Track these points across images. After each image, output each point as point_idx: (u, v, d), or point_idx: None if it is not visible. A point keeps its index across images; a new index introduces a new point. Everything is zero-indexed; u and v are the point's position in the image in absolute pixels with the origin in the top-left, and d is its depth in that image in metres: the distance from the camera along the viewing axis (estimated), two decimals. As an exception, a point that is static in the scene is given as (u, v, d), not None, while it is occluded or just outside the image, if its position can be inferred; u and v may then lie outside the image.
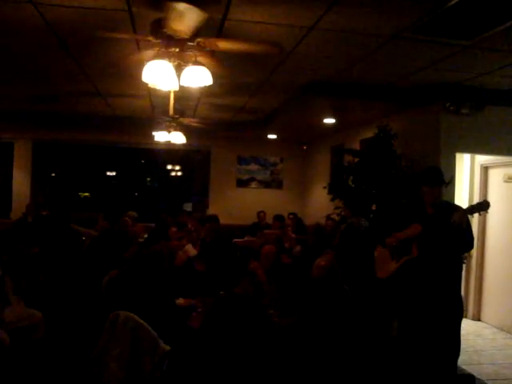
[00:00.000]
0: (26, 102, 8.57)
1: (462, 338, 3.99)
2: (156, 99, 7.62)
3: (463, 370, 4.95)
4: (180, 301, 4.32)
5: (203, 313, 3.84)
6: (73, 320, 5.47)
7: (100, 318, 4.35)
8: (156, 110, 8.45)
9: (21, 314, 4.90)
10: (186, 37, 3.70)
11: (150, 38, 3.85)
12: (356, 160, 6.65)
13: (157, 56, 3.78)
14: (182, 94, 6.38)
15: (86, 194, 13.23)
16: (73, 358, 4.57)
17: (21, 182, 11.14)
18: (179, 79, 3.85)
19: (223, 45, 3.93)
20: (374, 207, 6.38)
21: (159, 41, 3.80)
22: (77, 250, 7.11)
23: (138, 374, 3.57)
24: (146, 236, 7.50)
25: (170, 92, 5.97)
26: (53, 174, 12.41)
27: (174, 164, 13.59)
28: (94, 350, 3.89)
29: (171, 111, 6.73)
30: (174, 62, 3.77)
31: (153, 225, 8.47)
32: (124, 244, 6.35)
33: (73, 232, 7.52)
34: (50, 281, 5.82)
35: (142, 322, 3.54)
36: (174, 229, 5.70)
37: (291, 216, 9.57)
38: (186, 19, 3.42)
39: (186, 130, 7.72)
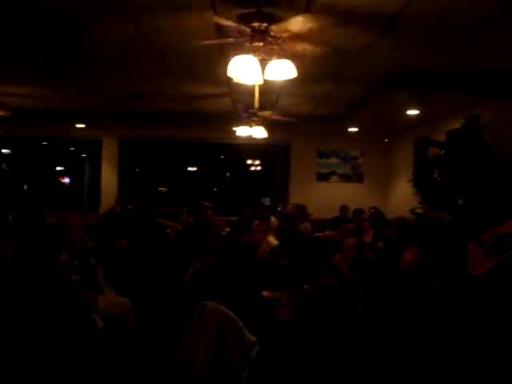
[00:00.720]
0: (113, 101, 8.96)
1: None
2: (237, 95, 7.73)
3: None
4: (265, 293, 4.36)
5: (288, 305, 3.85)
6: (160, 309, 5.67)
7: (185, 307, 4.50)
8: (237, 106, 8.57)
9: (112, 302, 5.13)
10: (266, 28, 3.72)
11: (234, 35, 3.91)
12: (442, 152, 6.42)
13: (241, 51, 3.83)
14: (264, 88, 6.43)
15: (163, 188, 13.64)
16: (161, 345, 4.75)
17: (109, 178, 11.70)
18: (263, 73, 3.89)
19: (299, 23, 3.87)
20: (460, 201, 6.13)
21: (243, 36, 3.86)
22: (162, 243, 7.36)
23: (225, 362, 3.65)
24: (227, 229, 7.64)
25: (251, 87, 6.03)
26: (136, 170, 12.89)
27: (253, 159, 13.71)
28: (181, 338, 4.03)
29: (256, 105, 6.78)
30: (258, 56, 3.80)
31: (233, 218, 8.60)
32: (207, 237, 6.50)
33: (158, 225, 7.79)
34: (138, 271, 6.06)
35: (228, 312, 3.61)
36: (257, 221, 5.76)
37: (372, 210, 9.39)
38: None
39: (266, 124, 7.77)
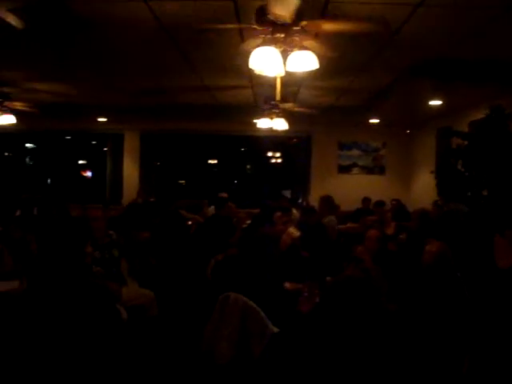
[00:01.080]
0: (135, 95, 9.02)
1: None
2: (259, 87, 7.71)
3: None
4: (287, 285, 4.37)
5: (311, 297, 3.86)
6: (182, 300, 5.72)
7: (207, 299, 4.53)
8: (258, 98, 8.55)
9: (135, 293, 5.20)
10: (290, 21, 3.71)
11: (255, 26, 3.90)
12: (465, 143, 6.33)
13: (262, 43, 3.81)
14: (285, 80, 6.41)
15: (182, 181, 13.73)
16: (184, 336, 4.80)
17: (130, 171, 11.82)
18: (285, 65, 3.87)
19: (328, 26, 3.88)
20: (485, 193, 6.04)
21: (264, 28, 3.84)
22: (184, 235, 7.41)
23: (247, 353, 3.67)
24: (248, 222, 7.66)
25: (273, 78, 6.01)
26: (158, 163, 12.98)
27: (274, 151, 13.70)
28: (204, 329, 4.06)
29: (278, 97, 6.77)
30: (279, 47, 3.78)
31: (253, 211, 8.63)
32: (229, 229, 6.53)
33: (180, 217, 7.84)
34: (161, 263, 6.12)
35: (251, 303, 3.63)
36: (278, 213, 5.77)
37: (394, 202, 9.31)
38: (287, 3, 3.42)
39: (287, 116, 7.75)
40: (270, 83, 6.48)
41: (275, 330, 3.55)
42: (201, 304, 4.94)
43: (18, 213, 7.25)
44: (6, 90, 7.91)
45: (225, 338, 3.70)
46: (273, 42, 3.82)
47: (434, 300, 3.47)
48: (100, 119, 11.14)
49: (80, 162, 13.91)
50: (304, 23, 3.71)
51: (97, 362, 3.59)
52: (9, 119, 8.02)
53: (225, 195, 9.27)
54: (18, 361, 3.00)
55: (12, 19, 4.75)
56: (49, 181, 13.40)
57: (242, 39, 4.90)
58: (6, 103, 8.08)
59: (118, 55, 6.19)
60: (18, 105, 8.01)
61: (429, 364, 2.98)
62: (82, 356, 3.45)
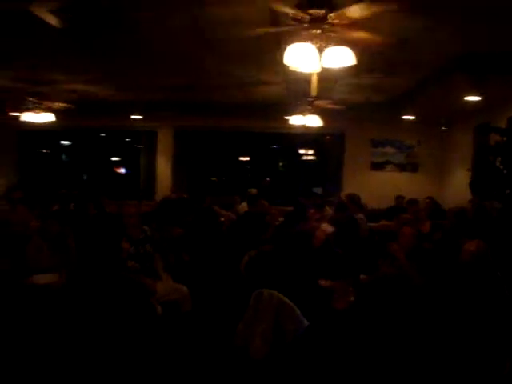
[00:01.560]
0: (169, 93, 9.12)
1: None
2: (292, 83, 7.68)
3: None
4: (322, 282, 4.34)
5: (345, 295, 3.83)
6: (216, 296, 5.75)
7: (241, 294, 4.54)
8: (291, 94, 8.53)
9: (169, 288, 5.24)
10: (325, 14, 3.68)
11: (292, 22, 3.89)
12: (504, 139, 6.17)
13: (298, 39, 3.80)
14: (319, 76, 6.37)
15: (214, 178, 13.79)
16: (218, 332, 4.82)
17: (163, 168, 11.96)
18: (320, 61, 3.85)
19: (360, 10, 3.79)
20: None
21: (300, 24, 3.83)
22: (217, 231, 7.45)
23: (282, 349, 3.67)
24: (281, 219, 7.64)
25: (306, 75, 5.96)
26: (190, 160, 13.05)
27: (306, 148, 13.63)
28: (237, 324, 4.08)
29: (314, 93, 6.72)
30: (316, 43, 3.76)
31: (285, 208, 8.60)
32: (262, 226, 6.53)
33: (213, 214, 7.88)
34: (194, 259, 6.16)
35: (285, 299, 3.62)
36: (312, 210, 5.75)
37: (427, 200, 9.16)
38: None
39: (320, 113, 7.70)
40: (303, 80, 6.45)
41: (310, 326, 3.53)
42: (234, 300, 4.96)
43: (55, 208, 7.39)
44: (45, 89, 8.10)
45: (259, 334, 3.71)
46: (308, 37, 3.81)
47: (475, 299, 3.40)
48: (134, 117, 11.29)
49: (114, 158, 14.09)
50: (336, 13, 3.66)
51: (131, 354, 3.64)
52: (48, 117, 8.21)
53: (254, 191, 9.28)
54: (57, 350, 3.07)
55: (51, 19, 4.86)
56: (85, 177, 13.64)
57: (278, 36, 4.90)
58: (45, 102, 8.28)
59: (154, 53, 6.26)
60: (56, 104, 8.20)
61: (468, 364, 2.92)
62: (118, 348, 3.51)
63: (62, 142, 13.85)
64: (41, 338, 3.59)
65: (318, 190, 12.44)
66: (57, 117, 8.72)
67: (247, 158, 14.15)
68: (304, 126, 8.10)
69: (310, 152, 13.71)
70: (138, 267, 4.99)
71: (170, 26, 5.07)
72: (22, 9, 4.57)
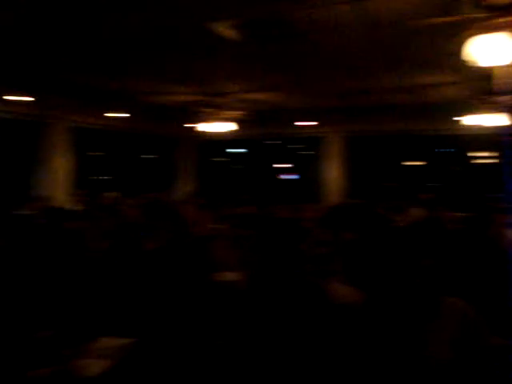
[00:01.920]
0: (339, 98, 9.17)
1: None
2: (469, 81, 7.26)
3: None
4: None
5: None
6: (391, 302, 5.60)
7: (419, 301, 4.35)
8: (467, 93, 8.06)
9: (345, 291, 5.24)
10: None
11: (474, 15, 3.69)
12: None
13: (483, 31, 3.59)
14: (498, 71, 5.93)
15: (385, 183, 13.51)
16: (396, 338, 4.69)
17: (335, 173, 12.10)
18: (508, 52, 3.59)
19: None
20: None
21: (484, 14, 3.62)
22: (389, 236, 7.27)
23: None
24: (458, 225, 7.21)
25: (485, 71, 5.60)
26: (361, 165, 13.03)
27: (481, 150, 12.74)
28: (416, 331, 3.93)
29: (500, 88, 6.28)
30: (503, 34, 3.52)
31: (458, 214, 8.15)
32: (438, 231, 6.24)
33: (386, 219, 7.73)
34: (369, 264, 6.08)
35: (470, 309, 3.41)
36: (498, 215, 5.35)
37: None
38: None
39: (499, 110, 7.16)
40: (482, 76, 6.06)
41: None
42: (410, 305, 4.79)
43: (239, 211, 7.89)
44: (219, 100, 8.67)
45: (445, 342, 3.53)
46: (492, 28, 3.57)
47: None
48: (305, 123, 11.58)
49: (283, 165, 14.56)
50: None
51: (311, 355, 3.71)
52: (229, 126, 8.74)
53: (424, 196, 8.92)
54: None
55: (231, 34, 5.18)
56: (257, 183, 14.31)
57: (456, 31, 4.67)
58: (222, 112, 8.85)
59: (325, 59, 6.36)
60: (233, 113, 8.72)
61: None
62: (298, 352, 3.60)
63: (236, 150, 14.75)
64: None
65: (494, 196, 11.54)
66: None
67: (421, 163, 13.68)
68: (480, 127, 7.56)
69: (487, 154, 12.79)
70: (314, 269, 5.09)
71: (341, 32, 5.11)
72: (200, 25, 4.91)
